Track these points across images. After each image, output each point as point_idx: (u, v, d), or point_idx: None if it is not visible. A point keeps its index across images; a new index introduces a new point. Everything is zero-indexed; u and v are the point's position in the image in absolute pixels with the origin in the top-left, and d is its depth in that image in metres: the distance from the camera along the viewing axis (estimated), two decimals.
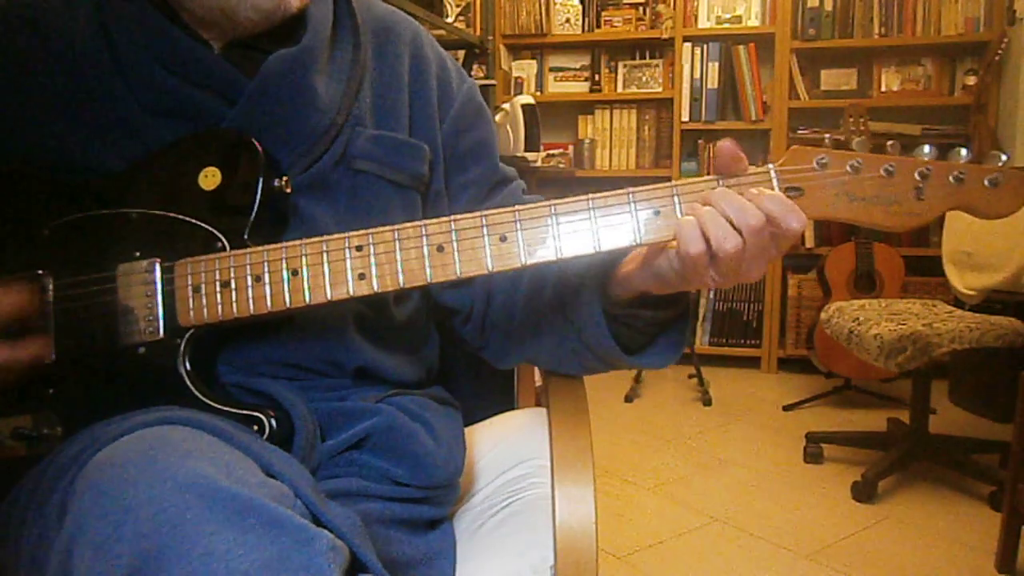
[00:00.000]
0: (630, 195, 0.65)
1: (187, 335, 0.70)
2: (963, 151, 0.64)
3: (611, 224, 0.65)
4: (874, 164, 0.64)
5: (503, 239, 0.65)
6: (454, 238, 0.66)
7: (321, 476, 0.72)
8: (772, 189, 0.64)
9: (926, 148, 0.65)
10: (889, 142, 0.65)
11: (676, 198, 0.65)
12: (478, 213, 0.66)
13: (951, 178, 0.64)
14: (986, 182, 0.64)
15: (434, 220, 0.66)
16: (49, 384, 0.71)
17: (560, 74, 3.88)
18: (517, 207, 0.66)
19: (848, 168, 0.64)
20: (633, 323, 0.76)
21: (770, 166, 0.65)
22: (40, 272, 0.72)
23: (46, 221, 0.74)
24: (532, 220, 0.65)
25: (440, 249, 0.66)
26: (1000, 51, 3.13)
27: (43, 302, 0.71)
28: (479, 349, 0.91)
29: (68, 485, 0.57)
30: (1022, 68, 3.05)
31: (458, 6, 3.50)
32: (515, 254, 0.65)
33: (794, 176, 0.65)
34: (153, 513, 0.50)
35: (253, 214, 0.71)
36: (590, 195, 0.66)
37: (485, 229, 0.66)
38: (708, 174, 0.66)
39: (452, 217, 0.66)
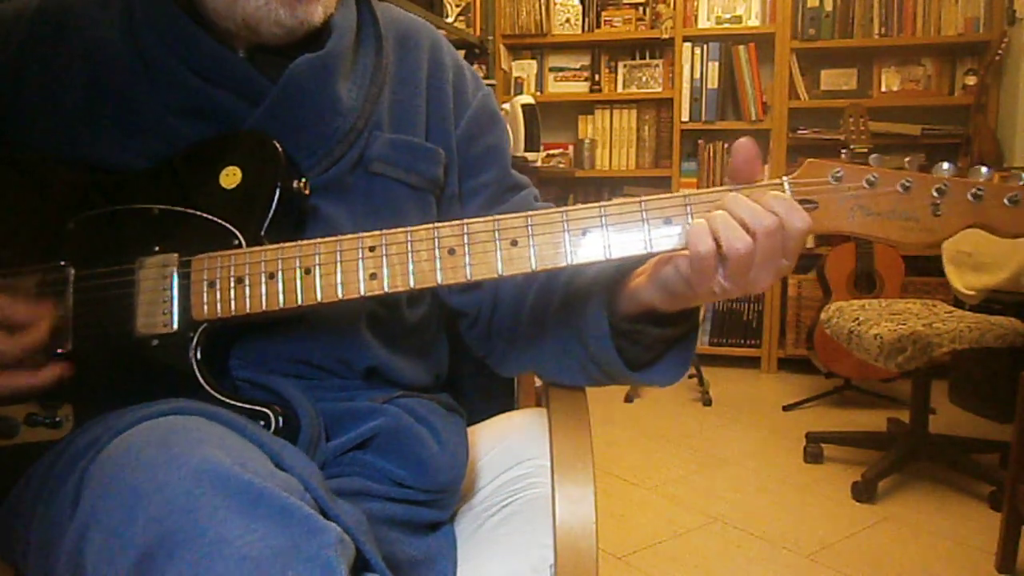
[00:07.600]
0: (642, 203, 0.65)
1: (200, 329, 0.71)
2: (984, 169, 0.63)
3: (622, 232, 0.65)
4: (891, 179, 0.63)
5: (514, 243, 0.66)
6: (466, 241, 0.67)
7: (325, 475, 0.72)
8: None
9: (944, 165, 0.64)
10: (907, 158, 0.64)
11: (688, 207, 0.65)
12: (490, 218, 0.67)
13: (969, 195, 0.63)
14: (1006, 200, 0.62)
15: (446, 223, 0.67)
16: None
17: (560, 74, 3.87)
18: (529, 213, 0.66)
19: (864, 183, 0.64)
20: (640, 339, 0.75)
21: (784, 178, 0.65)
22: (62, 263, 0.73)
23: (71, 214, 0.75)
24: (544, 226, 0.66)
25: (451, 252, 0.67)
26: (1000, 51, 3.13)
27: (63, 293, 0.72)
28: (484, 355, 0.92)
29: (82, 472, 0.58)
30: (1022, 68, 3.05)
31: (458, 6, 3.50)
32: (526, 259, 0.66)
33: (808, 189, 0.64)
34: (167, 498, 0.50)
35: (271, 213, 0.73)
36: (602, 203, 0.66)
37: (497, 234, 0.66)
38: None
39: (464, 221, 0.67)
